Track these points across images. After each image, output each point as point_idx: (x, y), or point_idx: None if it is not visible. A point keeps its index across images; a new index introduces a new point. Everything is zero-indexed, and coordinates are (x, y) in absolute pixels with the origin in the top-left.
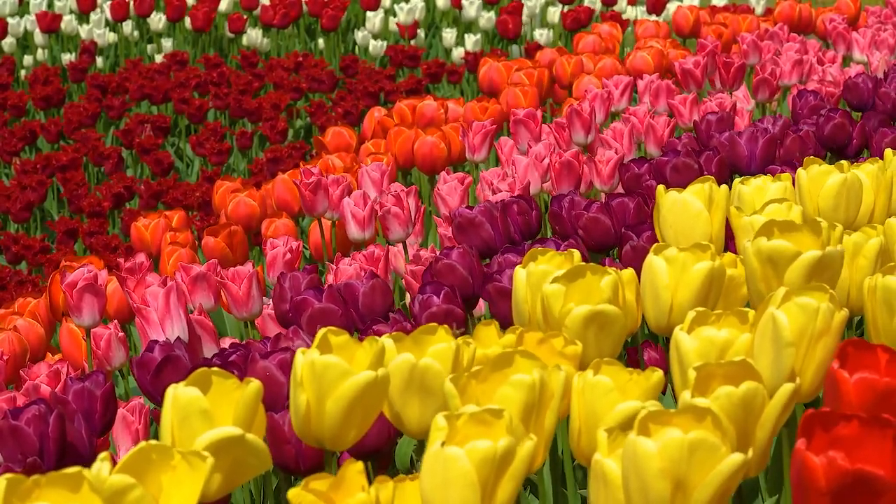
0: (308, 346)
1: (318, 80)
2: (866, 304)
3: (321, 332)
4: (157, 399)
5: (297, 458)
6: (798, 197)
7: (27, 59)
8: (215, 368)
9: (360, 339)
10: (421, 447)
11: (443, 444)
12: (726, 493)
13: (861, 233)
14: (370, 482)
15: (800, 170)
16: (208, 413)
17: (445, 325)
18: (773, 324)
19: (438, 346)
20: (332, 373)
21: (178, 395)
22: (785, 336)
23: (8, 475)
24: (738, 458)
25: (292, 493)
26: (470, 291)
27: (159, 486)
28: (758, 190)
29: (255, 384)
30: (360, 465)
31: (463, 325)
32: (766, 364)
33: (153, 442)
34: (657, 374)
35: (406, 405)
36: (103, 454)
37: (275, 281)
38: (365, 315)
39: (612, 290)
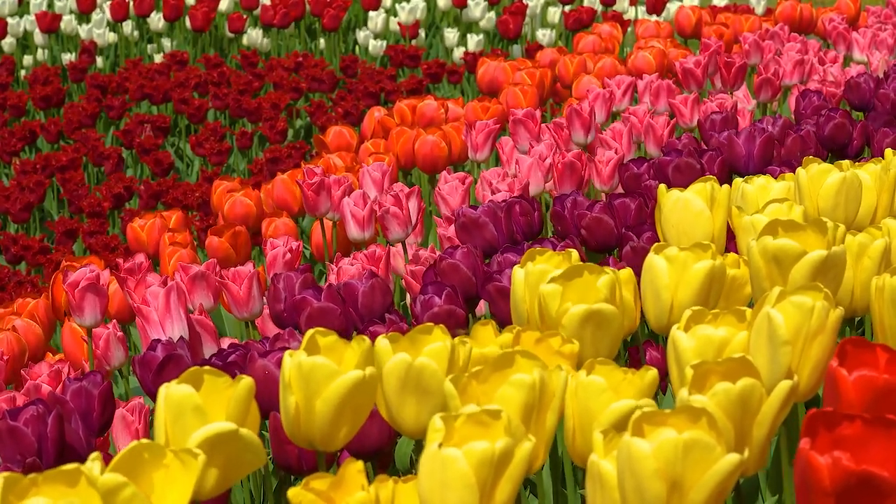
0: None
1: (318, 80)
2: (873, 304)
3: (309, 333)
4: None
5: (300, 457)
6: (797, 196)
7: (27, 59)
8: (207, 367)
9: None
10: (420, 447)
11: (440, 445)
12: (722, 493)
13: (866, 233)
14: (370, 482)
15: (799, 169)
16: (202, 409)
17: (442, 325)
18: (769, 323)
19: (434, 345)
20: (320, 373)
21: (171, 392)
22: (781, 335)
23: (5, 473)
24: (733, 458)
25: (292, 493)
26: (473, 291)
27: (152, 484)
28: (761, 189)
29: (246, 381)
30: (360, 464)
31: (465, 325)
32: (762, 363)
33: (145, 441)
34: (651, 373)
35: (402, 405)
36: (94, 454)
37: None
38: (364, 315)
39: (609, 290)
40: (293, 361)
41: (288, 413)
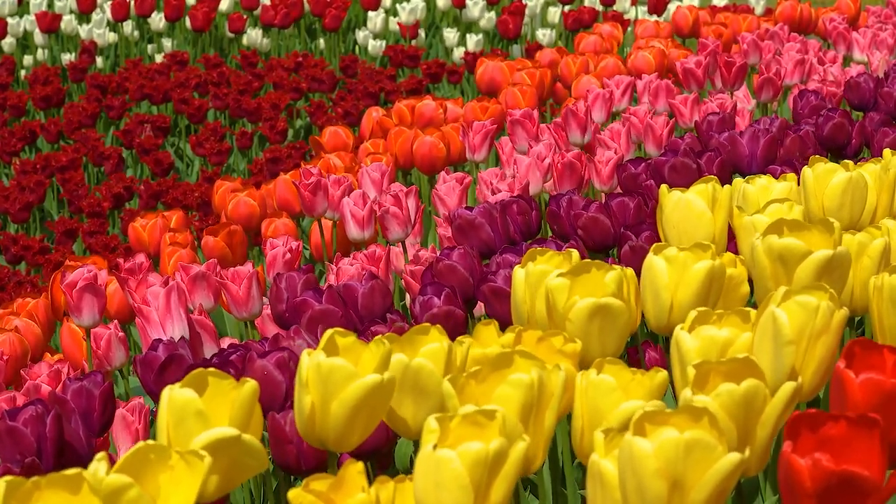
0: (307, 346)
1: (318, 80)
2: (872, 303)
3: (328, 333)
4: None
5: (299, 458)
6: (803, 195)
7: (27, 59)
8: (212, 369)
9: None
10: (417, 447)
11: (434, 446)
12: (723, 492)
13: (865, 233)
14: (370, 482)
15: (805, 168)
16: (204, 414)
17: (439, 326)
18: (774, 322)
19: (431, 346)
20: (338, 375)
21: (174, 396)
22: (785, 334)
23: (7, 477)
24: (734, 457)
25: (293, 494)
26: (471, 292)
27: (157, 485)
28: (762, 189)
29: (251, 384)
30: (360, 465)
31: (464, 326)
32: (766, 363)
33: (151, 442)
34: (661, 374)
35: (400, 405)
36: (100, 454)
37: None
38: (364, 316)
39: (616, 285)
40: (312, 361)
41: (302, 412)
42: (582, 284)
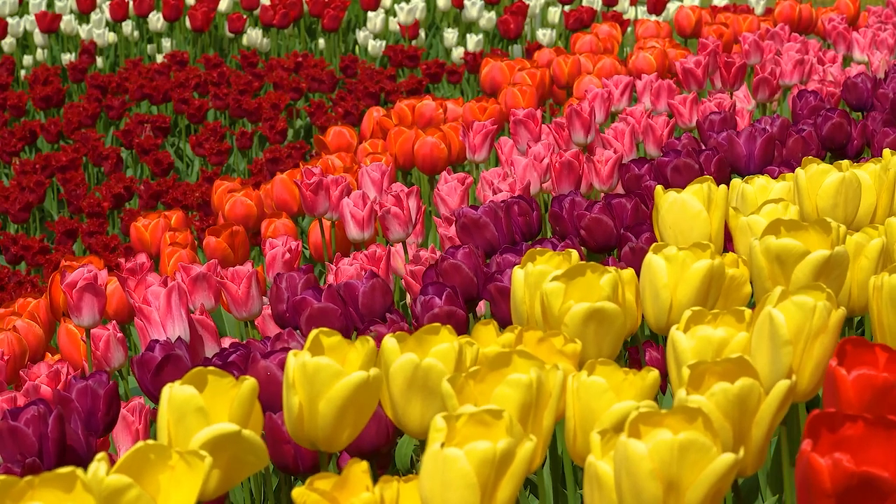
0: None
1: (318, 80)
2: (871, 303)
3: (313, 333)
4: (158, 399)
5: (296, 457)
6: (797, 196)
7: (27, 59)
8: (211, 367)
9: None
10: (422, 447)
11: (442, 445)
12: (719, 492)
13: (863, 233)
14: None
15: (798, 169)
16: (204, 411)
17: (449, 326)
18: (771, 322)
19: (441, 346)
20: (324, 374)
21: (174, 394)
22: (782, 334)
23: (0, 476)
24: (729, 458)
25: (297, 493)
26: (474, 292)
27: (157, 485)
28: (761, 189)
29: (250, 382)
30: (364, 464)
31: (465, 326)
32: (763, 363)
33: (151, 442)
34: (653, 374)
35: (408, 405)
36: (100, 454)
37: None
38: (365, 315)
39: (611, 288)
40: (297, 362)
41: (291, 413)
42: (577, 288)
